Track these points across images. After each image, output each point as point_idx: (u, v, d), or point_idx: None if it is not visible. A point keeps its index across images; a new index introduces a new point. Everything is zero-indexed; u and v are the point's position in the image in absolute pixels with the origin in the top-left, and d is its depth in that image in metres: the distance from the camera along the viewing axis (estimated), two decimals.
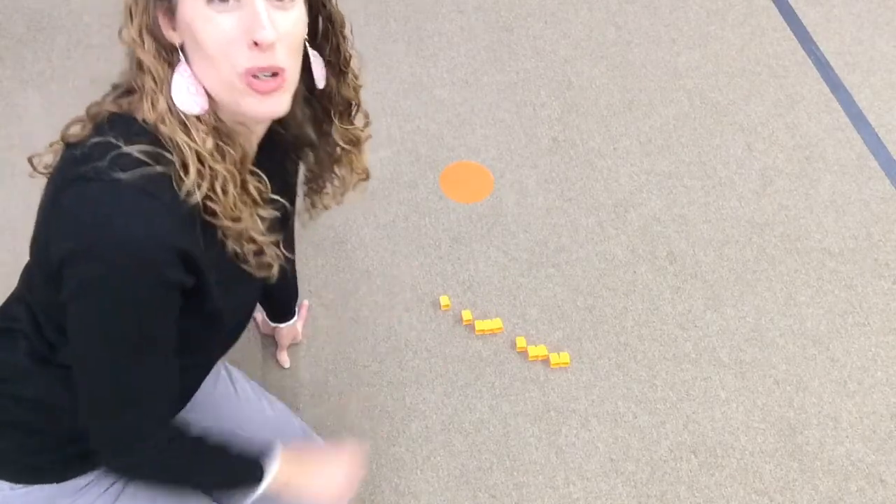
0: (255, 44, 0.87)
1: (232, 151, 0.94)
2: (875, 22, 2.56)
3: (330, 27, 1.01)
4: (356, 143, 1.12)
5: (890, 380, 1.80)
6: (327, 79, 1.04)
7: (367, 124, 1.13)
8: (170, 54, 0.92)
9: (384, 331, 1.84)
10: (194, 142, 0.90)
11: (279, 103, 0.93)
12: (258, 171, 0.99)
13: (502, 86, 2.35)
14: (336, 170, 1.14)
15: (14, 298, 1.12)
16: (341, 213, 2.03)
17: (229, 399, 1.39)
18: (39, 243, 0.97)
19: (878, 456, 1.69)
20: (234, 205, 0.94)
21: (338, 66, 1.05)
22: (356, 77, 1.08)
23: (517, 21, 2.53)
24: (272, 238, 1.00)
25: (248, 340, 1.81)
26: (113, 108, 0.93)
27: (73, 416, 1.04)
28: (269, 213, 0.99)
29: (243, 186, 0.96)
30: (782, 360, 1.83)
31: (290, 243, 1.47)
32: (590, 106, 2.31)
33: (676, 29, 2.52)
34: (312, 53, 0.99)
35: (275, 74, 0.90)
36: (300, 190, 1.23)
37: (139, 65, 0.91)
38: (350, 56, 1.06)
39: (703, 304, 1.91)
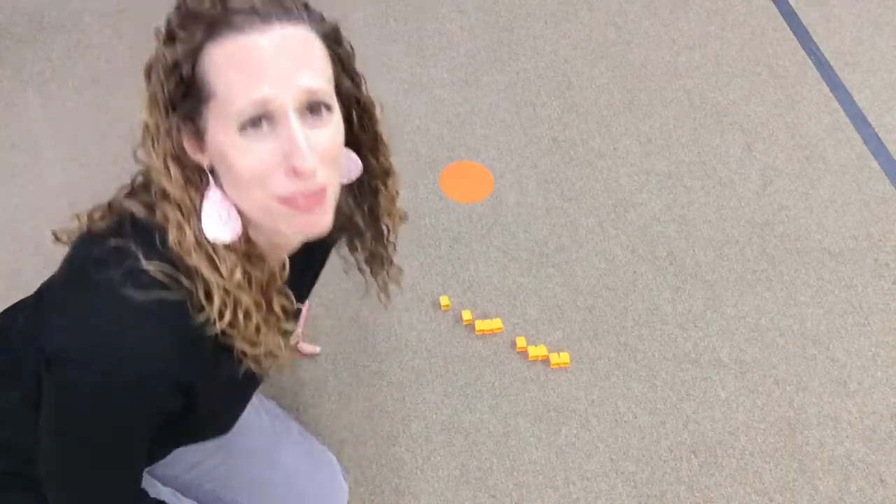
0: (295, 170, 0.82)
1: (259, 275, 0.90)
2: (875, 22, 2.56)
3: (365, 116, 0.97)
4: (394, 200, 1.11)
5: (890, 380, 1.80)
6: (365, 158, 1.01)
7: (397, 182, 1.10)
8: (197, 177, 0.86)
9: (384, 331, 1.84)
10: (221, 277, 0.86)
11: (322, 220, 0.87)
12: (286, 290, 0.95)
13: (502, 86, 2.36)
14: (389, 238, 1.12)
15: (16, 331, 1.05)
16: None
17: None
18: (39, 301, 0.94)
19: (878, 456, 1.69)
20: (257, 329, 0.90)
21: (372, 146, 1.01)
22: (387, 146, 1.04)
23: (517, 21, 2.53)
24: (289, 352, 0.97)
25: None
26: (139, 212, 0.88)
27: None
28: (292, 326, 0.96)
29: (268, 308, 0.92)
30: (782, 360, 1.83)
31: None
32: (590, 106, 2.31)
33: (676, 29, 2.52)
34: (345, 151, 0.95)
35: (316, 195, 0.85)
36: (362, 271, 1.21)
37: (164, 194, 0.86)
38: (381, 133, 1.02)
39: (703, 304, 1.91)
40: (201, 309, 0.86)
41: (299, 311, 1.00)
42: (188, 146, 0.86)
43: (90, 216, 0.92)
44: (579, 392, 1.77)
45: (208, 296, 0.86)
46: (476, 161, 2.17)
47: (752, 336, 1.86)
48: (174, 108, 0.84)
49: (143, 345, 0.84)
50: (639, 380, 1.79)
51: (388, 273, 1.17)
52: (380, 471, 1.65)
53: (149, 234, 0.86)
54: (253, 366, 0.94)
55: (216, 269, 0.85)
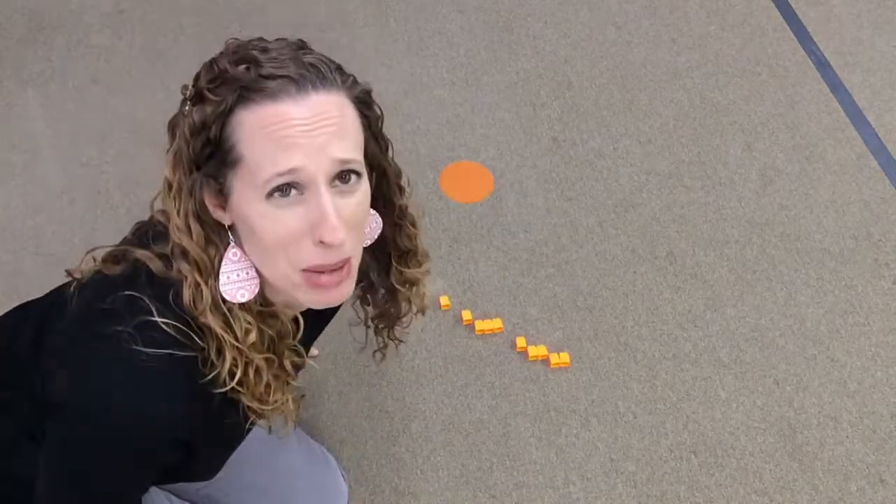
0: (323, 242, 0.79)
1: (272, 333, 0.89)
2: (875, 22, 2.56)
3: (385, 182, 0.95)
4: (413, 283, 1.06)
5: (890, 380, 1.80)
6: (384, 228, 0.98)
7: (425, 263, 1.05)
8: (217, 236, 0.85)
9: None
10: (236, 339, 0.84)
11: (341, 293, 0.85)
12: (297, 346, 0.93)
13: (502, 86, 2.36)
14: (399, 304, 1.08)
15: (12, 359, 1.02)
16: None
17: None
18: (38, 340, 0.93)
19: (878, 456, 1.69)
20: (266, 387, 0.89)
21: (393, 217, 0.98)
22: (413, 226, 1.01)
23: (517, 21, 2.53)
24: (297, 406, 0.96)
25: None
26: (155, 266, 0.86)
27: None
28: (300, 382, 0.95)
29: (280, 364, 0.91)
30: (782, 360, 1.83)
31: None
32: (590, 106, 2.31)
33: (676, 29, 2.52)
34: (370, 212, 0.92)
35: (341, 266, 0.83)
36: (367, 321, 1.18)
37: (182, 252, 0.84)
38: (405, 207, 0.98)
39: (703, 304, 1.91)
40: (212, 367, 0.84)
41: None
42: (210, 204, 0.84)
43: (105, 259, 0.90)
44: (579, 392, 1.77)
45: (220, 353, 0.84)
46: (476, 161, 2.17)
47: (752, 336, 1.86)
48: (198, 168, 0.82)
49: (148, 404, 0.82)
50: (639, 380, 1.79)
51: (391, 334, 1.14)
52: (380, 471, 1.65)
53: (163, 290, 0.84)
54: (259, 422, 0.93)
55: (231, 330, 0.84)
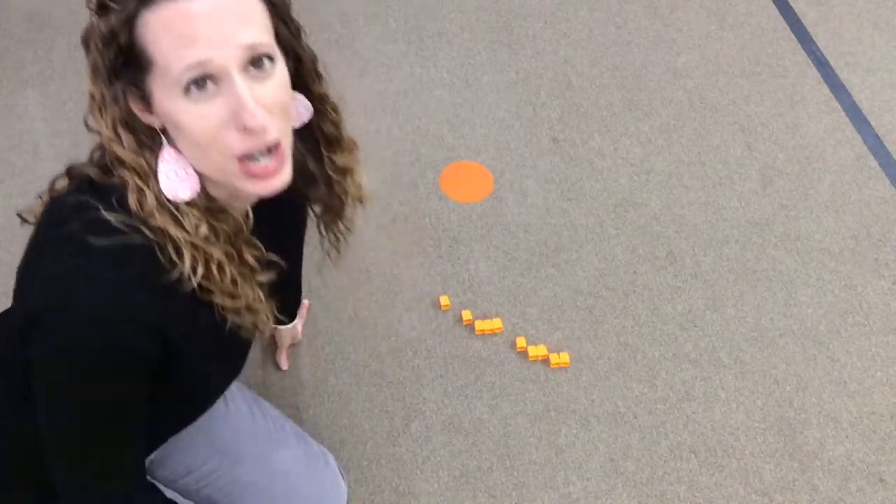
0: (245, 128, 0.82)
1: (226, 228, 0.90)
2: (875, 22, 2.56)
3: (301, 68, 0.95)
4: (345, 172, 1.07)
5: (890, 380, 1.80)
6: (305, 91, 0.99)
7: (354, 151, 1.08)
8: (151, 139, 0.87)
9: (384, 331, 1.84)
10: (187, 233, 0.86)
11: (280, 179, 0.88)
12: (254, 240, 0.95)
13: (502, 86, 2.36)
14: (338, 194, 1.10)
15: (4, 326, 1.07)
16: None
17: (219, 414, 1.37)
18: (21, 292, 0.94)
19: (878, 456, 1.69)
20: (233, 282, 0.90)
21: (314, 104, 0.99)
22: (335, 112, 1.02)
23: (517, 21, 2.53)
24: (271, 306, 0.97)
25: None
26: (94, 177, 0.89)
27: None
28: (267, 276, 0.96)
29: (240, 259, 0.92)
30: (782, 360, 1.83)
31: (296, 266, 1.44)
32: (590, 106, 2.31)
33: (676, 29, 2.52)
34: (293, 94, 0.94)
35: (270, 150, 0.85)
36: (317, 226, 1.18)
37: (119, 161, 0.86)
38: (325, 94, 0.99)
39: (703, 304, 1.91)
40: (174, 266, 0.86)
41: (281, 267, 1.00)
42: (137, 109, 0.86)
43: (51, 187, 0.93)
44: (579, 392, 1.77)
45: (178, 253, 0.86)
46: (476, 161, 2.17)
47: (752, 336, 1.86)
48: (117, 77, 0.84)
49: (113, 287, 0.83)
50: (639, 380, 1.79)
51: (338, 229, 1.15)
52: (380, 471, 1.65)
53: (106, 193, 0.87)
54: (235, 320, 0.94)
55: (181, 226, 0.86)
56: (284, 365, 1.76)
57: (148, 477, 1.08)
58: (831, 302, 1.92)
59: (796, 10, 2.59)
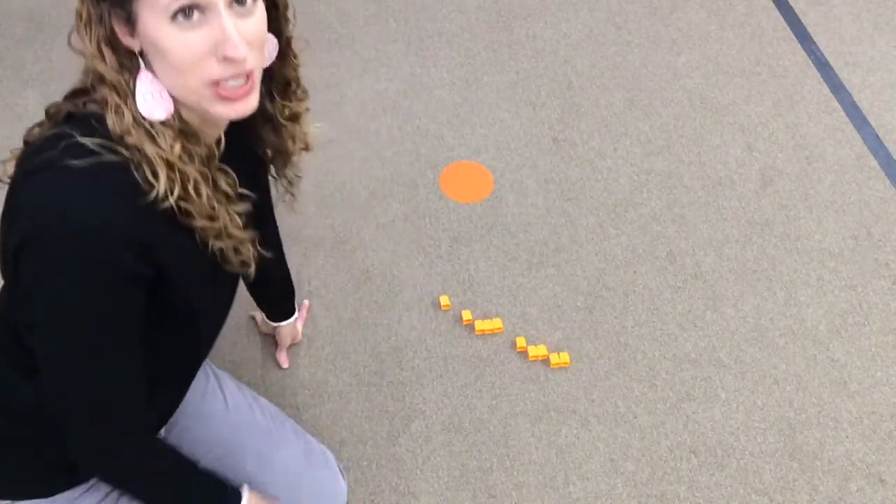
0: (226, 59, 0.87)
1: (199, 151, 0.94)
2: (875, 22, 2.56)
3: (274, 12, 1.00)
4: (295, 118, 1.12)
5: (890, 380, 1.80)
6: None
7: (305, 100, 1.13)
8: (130, 61, 0.90)
9: (384, 331, 1.84)
10: (162, 149, 0.89)
11: (249, 104, 0.93)
12: (225, 167, 0.98)
13: (502, 86, 2.36)
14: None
15: None
16: (341, 213, 2.04)
17: (219, 411, 1.37)
18: (4, 248, 0.95)
19: (878, 456, 1.69)
20: (210, 204, 0.94)
21: (281, 48, 1.04)
22: (296, 57, 1.07)
23: (517, 21, 2.53)
24: (250, 234, 1.01)
25: (247, 340, 1.81)
26: (71, 108, 0.92)
27: (58, 425, 1.03)
28: (242, 207, 0.99)
29: (214, 184, 0.96)
30: (782, 360, 1.83)
31: (273, 241, 1.47)
32: (590, 106, 2.31)
33: (676, 29, 2.52)
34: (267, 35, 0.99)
35: (244, 80, 0.91)
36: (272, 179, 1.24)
37: (100, 78, 0.89)
38: (290, 38, 1.05)
39: (703, 304, 1.91)
40: (150, 187, 0.88)
41: (254, 201, 1.04)
42: (119, 31, 0.89)
43: (27, 136, 0.95)
44: (579, 392, 1.77)
45: (154, 173, 0.88)
46: (476, 161, 2.17)
47: (752, 336, 1.86)
48: None
49: (93, 207, 0.85)
50: (639, 380, 1.79)
51: (287, 173, 1.20)
52: (380, 471, 1.65)
53: (83, 120, 0.90)
54: (216, 245, 0.96)
55: (156, 143, 0.89)
56: (284, 364, 1.76)
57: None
58: (831, 302, 1.92)
59: (796, 10, 2.59)
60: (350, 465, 1.65)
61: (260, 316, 1.77)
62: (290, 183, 1.22)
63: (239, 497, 1.15)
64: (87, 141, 0.87)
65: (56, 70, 2.31)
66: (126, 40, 0.89)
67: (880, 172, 2.18)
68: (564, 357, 1.80)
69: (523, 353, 1.81)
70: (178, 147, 0.90)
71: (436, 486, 1.63)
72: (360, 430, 1.70)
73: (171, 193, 0.89)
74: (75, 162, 0.85)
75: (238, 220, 0.99)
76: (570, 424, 1.72)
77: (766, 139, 2.25)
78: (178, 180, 0.90)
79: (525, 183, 2.13)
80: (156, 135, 0.89)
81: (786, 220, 2.07)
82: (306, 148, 1.17)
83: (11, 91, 2.28)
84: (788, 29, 2.53)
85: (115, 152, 0.88)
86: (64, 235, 0.85)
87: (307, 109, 1.13)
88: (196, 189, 0.92)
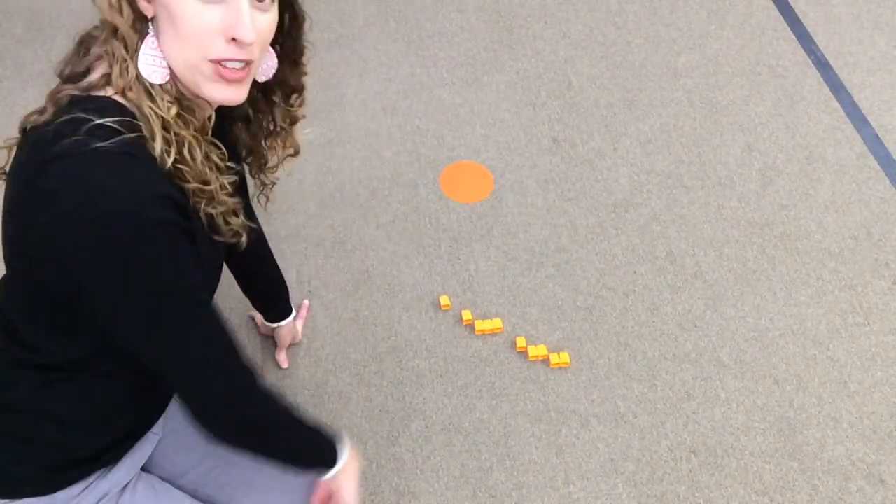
0: (234, 40, 0.91)
1: (193, 120, 0.97)
2: (875, 22, 2.56)
3: (294, 24, 1.05)
4: (294, 122, 1.17)
5: (890, 380, 1.80)
6: (280, 67, 1.09)
7: (302, 104, 1.17)
8: (141, 24, 0.93)
9: (384, 331, 1.84)
10: (160, 108, 0.92)
11: (240, 92, 0.97)
12: (216, 140, 1.01)
13: (502, 86, 2.36)
14: (268, 143, 1.19)
15: None
16: (341, 213, 2.04)
17: None
18: (14, 241, 0.95)
19: (878, 456, 1.69)
20: (202, 169, 0.96)
21: (293, 57, 1.09)
22: (305, 66, 1.12)
23: (517, 21, 2.53)
24: (237, 201, 1.04)
25: (247, 340, 1.81)
26: (73, 91, 0.93)
27: (56, 421, 1.04)
28: (230, 178, 1.02)
29: (206, 154, 0.98)
30: (782, 360, 1.83)
31: (259, 238, 1.50)
32: (590, 106, 2.31)
33: (676, 29, 2.53)
34: (268, 50, 1.04)
35: (243, 63, 0.94)
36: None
37: (113, 31, 0.93)
38: (304, 49, 1.09)
39: (703, 304, 1.91)
40: (152, 148, 0.91)
41: (243, 188, 1.07)
42: None
43: (25, 120, 0.95)
44: (579, 392, 1.77)
45: (152, 134, 0.91)
46: (476, 161, 2.17)
47: (752, 336, 1.86)
48: None
49: (131, 177, 0.87)
50: (639, 380, 1.79)
51: (262, 175, 1.24)
52: (380, 471, 1.65)
53: (90, 101, 0.91)
54: (208, 210, 0.98)
55: (154, 102, 0.92)
56: (284, 364, 1.76)
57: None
58: (831, 302, 1.92)
59: (796, 10, 2.59)
60: None
61: (259, 317, 1.77)
62: (263, 185, 1.26)
63: (342, 443, 1.19)
64: (107, 121, 0.88)
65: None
66: (142, 5, 0.92)
67: (880, 172, 2.18)
68: (564, 357, 1.80)
69: (523, 353, 1.81)
70: (174, 110, 0.93)
71: (436, 486, 1.63)
72: (360, 430, 1.70)
73: (168, 155, 0.91)
74: (102, 144, 0.86)
75: (228, 188, 1.01)
76: (570, 424, 1.72)
77: (766, 139, 2.25)
78: (174, 142, 0.92)
79: (525, 183, 2.13)
80: (154, 95, 0.92)
81: (786, 220, 2.07)
82: (295, 153, 1.20)
83: (11, 91, 2.28)
84: (788, 29, 2.53)
85: (133, 128, 0.90)
86: (124, 214, 0.85)
87: (303, 116, 1.17)
88: (191, 152, 0.94)
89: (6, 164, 0.96)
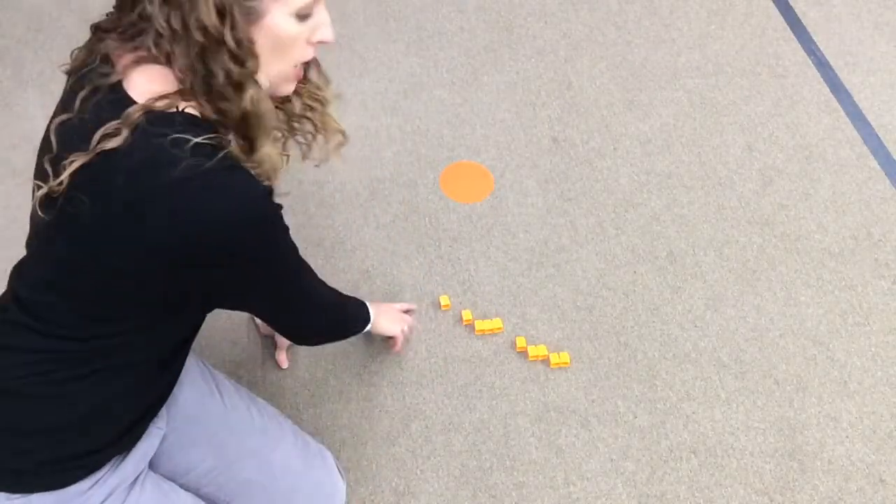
0: (323, 42, 1.07)
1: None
2: (875, 22, 2.56)
3: None
4: (325, 104, 1.24)
5: (890, 380, 1.80)
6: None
7: (328, 85, 1.26)
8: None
9: None
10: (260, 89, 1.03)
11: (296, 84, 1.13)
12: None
13: (502, 86, 2.36)
14: (298, 123, 1.25)
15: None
16: (341, 213, 2.04)
17: (217, 411, 1.37)
18: (111, 253, 0.99)
19: (878, 456, 1.69)
20: (278, 160, 1.09)
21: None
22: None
23: (517, 21, 2.53)
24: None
25: (248, 340, 1.81)
26: (156, 107, 0.97)
27: (71, 414, 1.06)
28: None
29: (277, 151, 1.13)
30: (782, 360, 1.83)
31: None
32: (590, 106, 2.31)
33: (676, 29, 2.53)
34: None
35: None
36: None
37: (249, 44, 0.99)
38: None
39: (703, 304, 1.91)
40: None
41: None
42: (242, 21, 0.98)
43: (101, 141, 0.97)
44: (579, 392, 1.77)
45: (257, 145, 1.05)
46: (476, 161, 2.17)
47: (752, 336, 1.86)
48: None
49: (250, 184, 1.01)
50: (639, 380, 1.79)
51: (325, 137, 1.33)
52: (380, 471, 1.65)
53: (174, 120, 0.97)
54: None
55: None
56: (284, 364, 1.76)
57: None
58: (831, 302, 1.92)
59: (796, 10, 2.59)
60: (350, 465, 1.65)
61: None
62: (311, 139, 1.32)
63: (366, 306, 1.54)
64: (202, 139, 0.96)
65: (56, 70, 2.31)
66: (244, 29, 0.98)
67: (880, 172, 2.18)
68: (564, 357, 1.80)
69: (523, 353, 1.81)
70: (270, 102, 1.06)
71: (436, 486, 1.63)
72: (360, 430, 1.70)
73: (248, 154, 1.05)
74: (211, 163, 0.95)
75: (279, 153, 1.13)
76: (570, 424, 1.72)
77: (766, 139, 2.25)
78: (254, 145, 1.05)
79: (525, 183, 2.13)
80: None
81: (786, 220, 2.07)
82: (342, 138, 1.29)
83: (11, 91, 2.28)
84: (788, 29, 2.53)
85: (222, 142, 0.99)
86: (261, 215, 1.01)
87: (332, 97, 1.28)
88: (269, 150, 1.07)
89: (62, 182, 0.97)
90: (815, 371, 1.81)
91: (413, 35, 2.47)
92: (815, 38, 2.51)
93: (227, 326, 1.82)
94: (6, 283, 1.16)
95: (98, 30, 1.03)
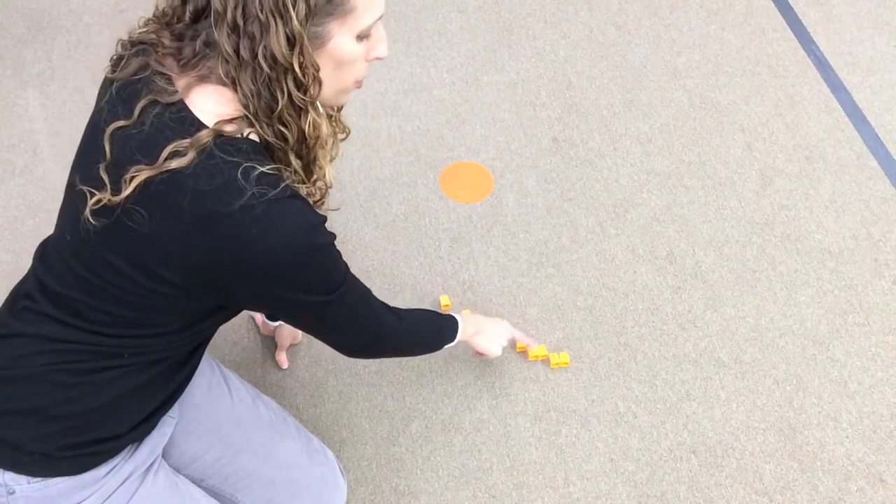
0: (379, 59, 1.10)
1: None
2: (875, 22, 2.56)
3: None
4: (339, 108, 1.25)
5: (890, 380, 1.80)
6: None
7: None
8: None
9: None
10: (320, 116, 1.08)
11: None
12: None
13: (502, 86, 2.36)
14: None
15: (30, 280, 1.17)
16: (341, 213, 2.04)
17: (224, 403, 1.39)
18: (178, 260, 1.01)
19: (878, 456, 1.69)
20: (328, 143, 1.13)
21: None
22: None
23: (517, 21, 2.53)
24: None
25: (248, 340, 1.81)
26: (225, 131, 0.99)
27: (95, 403, 1.09)
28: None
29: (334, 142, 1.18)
30: (782, 360, 1.83)
31: None
32: (590, 106, 2.31)
33: (676, 29, 2.53)
34: None
35: None
36: None
37: (312, 66, 1.01)
38: None
39: (703, 304, 1.91)
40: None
41: None
42: (311, 45, 1.01)
43: (168, 158, 0.98)
44: (579, 392, 1.77)
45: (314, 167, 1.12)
46: (476, 161, 2.17)
47: (752, 336, 1.86)
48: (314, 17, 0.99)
49: (308, 213, 1.03)
50: (639, 380, 1.79)
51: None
52: (380, 471, 1.65)
53: (236, 143, 0.99)
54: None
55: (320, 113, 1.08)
56: (284, 365, 1.77)
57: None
58: (831, 302, 1.92)
59: (796, 10, 2.59)
60: (350, 464, 1.65)
61: (260, 317, 1.77)
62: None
63: (454, 320, 1.49)
64: (266, 168, 0.99)
65: (56, 70, 2.31)
66: (310, 56, 1.00)
67: (880, 172, 2.18)
68: (564, 357, 1.80)
69: (523, 353, 1.81)
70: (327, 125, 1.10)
71: (436, 486, 1.63)
72: (360, 430, 1.70)
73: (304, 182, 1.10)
74: (274, 193, 0.98)
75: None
76: (570, 424, 1.72)
77: (766, 139, 2.25)
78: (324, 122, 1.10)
79: (525, 183, 2.13)
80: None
81: (786, 220, 2.07)
82: (346, 135, 1.29)
83: (11, 91, 2.28)
84: (788, 29, 2.53)
85: (281, 171, 1.03)
86: (319, 243, 1.05)
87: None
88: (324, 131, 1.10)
89: (124, 197, 0.98)
90: (815, 371, 1.81)
91: (413, 35, 2.48)
92: (814, 38, 2.51)
93: (227, 326, 1.82)
94: (6, 281, 1.16)
95: (153, 46, 1.04)
